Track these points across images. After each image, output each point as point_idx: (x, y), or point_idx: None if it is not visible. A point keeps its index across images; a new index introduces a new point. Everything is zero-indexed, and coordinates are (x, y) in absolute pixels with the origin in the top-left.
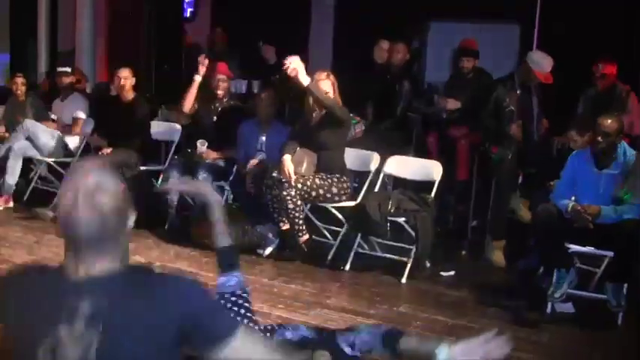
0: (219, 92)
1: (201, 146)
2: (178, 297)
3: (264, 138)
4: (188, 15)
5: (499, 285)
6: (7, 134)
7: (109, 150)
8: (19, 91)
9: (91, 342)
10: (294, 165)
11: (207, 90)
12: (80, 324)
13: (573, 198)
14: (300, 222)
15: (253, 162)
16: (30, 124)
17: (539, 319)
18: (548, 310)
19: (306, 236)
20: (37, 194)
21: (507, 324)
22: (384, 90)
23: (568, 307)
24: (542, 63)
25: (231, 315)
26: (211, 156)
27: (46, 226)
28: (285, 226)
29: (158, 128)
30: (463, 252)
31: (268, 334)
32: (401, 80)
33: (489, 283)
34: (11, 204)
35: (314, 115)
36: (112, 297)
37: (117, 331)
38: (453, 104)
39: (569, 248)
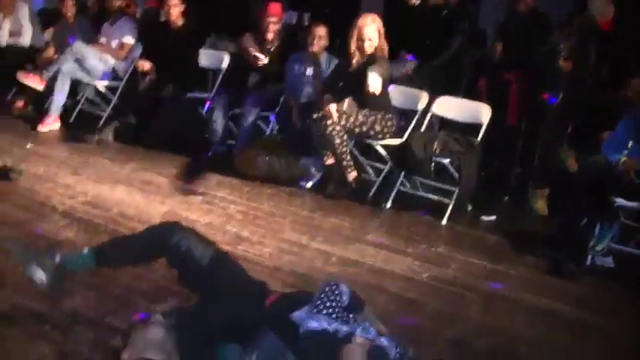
0: (269, 35)
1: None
2: None
3: (311, 71)
4: None
5: (539, 233)
6: (56, 56)
7: (148, 68)
8: (68, 13)
9: None
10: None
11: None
12: None
13: (625, 152)
14: (348, 157)
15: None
16: (79, 46)
17: (578, 270)
18: (588, 262)
19: (355, 173)
20: (83, 117)
21: (544, 273)
22: (438, 28)
23: (608, 262)
24: (603, 8)
25: None
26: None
27: (90, 148)
28: (330, 161)
29: (206, 56)
30: (506, 198)
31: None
32: (457, 19)
33: (530, 230)
34: (58, 125)
35: (355, 61)
36: None
37: None
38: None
39: (614, 202)
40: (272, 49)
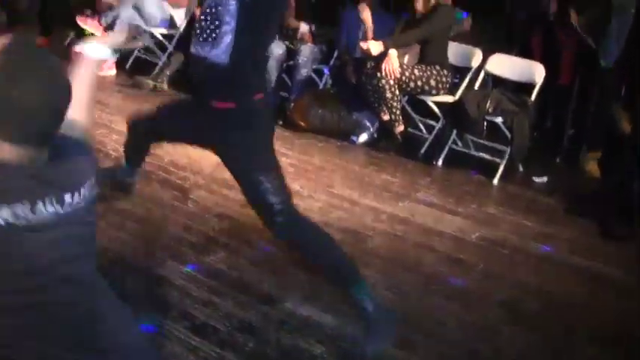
0: None
1: (303, 27)
2: None
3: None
4: None
5: (591, 196)
6: (115, 2)
7: None
8: None
9: None
10: (398, 56)
11: None
12: None
13: None
14: (397, 112)
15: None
16: (129, 12)
17: (629, 234)
18: None
19: (402, 127)
20: (139, 64)
21: (595, 236)
22: None
23: None
24: None
25: None
26: (310, 40)
27: (146, 94)
28: (386, 117)
29: None
30: (558, 159)
31: None
32: None
33: (582, 193)
34: (114, 71)
35: (418, 6)
36: None
37: None
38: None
39: None
40: None
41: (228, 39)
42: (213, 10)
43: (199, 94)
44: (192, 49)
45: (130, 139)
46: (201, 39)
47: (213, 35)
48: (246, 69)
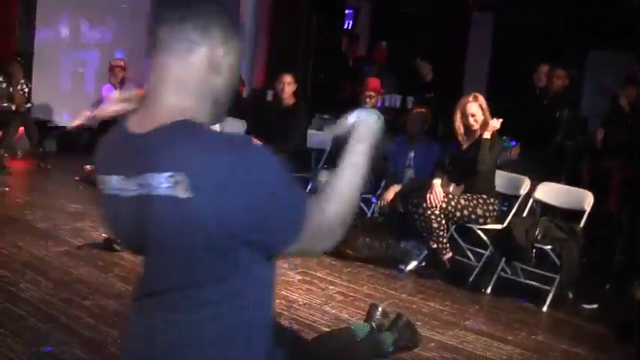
0: (367, 107)
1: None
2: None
3: (412, 154)
4: (348, 27)
5: None
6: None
7: None
8: None
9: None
10: (443, 185)
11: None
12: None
13: None
14: (445, 240)
15: (388, 196)
16: None
17: None
18: None
19: (450, 254)
20: None
21: None
22: (541, 115)
23: None
24: None
25: None
26: None
27: None
28: (434, 245)
29: (311, 137)
30: (607, 286)
31: None
32: (561, 108)
33: (633, 320)
34: None
35: (462, 139)
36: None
37: None
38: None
39: None
40: None
41: None
42: None
43: None
44: None
45: None
46: None
47: None
48: None
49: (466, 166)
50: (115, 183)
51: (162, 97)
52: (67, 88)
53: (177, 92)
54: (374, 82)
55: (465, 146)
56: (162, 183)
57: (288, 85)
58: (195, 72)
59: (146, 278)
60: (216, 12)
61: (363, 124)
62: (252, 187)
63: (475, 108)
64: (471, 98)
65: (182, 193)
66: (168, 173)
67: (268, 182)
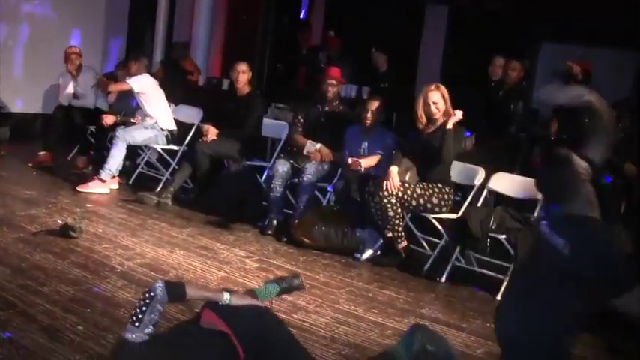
0: (329, 96)
1: (311, 146)
2: None
3: (366, 143)
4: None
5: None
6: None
7: (212, 136)
8: None
9: None
10: (400, 173)
11: (317, 93)
12: None
13: None
14: (400, 229)
15: (352, 161)
16: (121, 133)
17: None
18: None
19: (405, 243)
20: (143, 179)
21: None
22: (496, 106)
23: None
24: None
25: None
26: (317, 159)
27: (149, 211)
28: (389, 234)
29: (266, 125)
30: None
31: None
32: (515, 99)
33: None
34: (117, 186)
35: (423, 127)
36: None
37: None
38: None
39: None
40: (328, 109)
41: None
42: None
43: None
44: None
45: None
46: None
47: None
48: None
49: (428, 155)
50: None
51: None
52: (20, 75)
53: None
54: (335, 70)
55: (426, 133)
56: None
57: (242, 74)
58: None
59: None
60: None
61: None
62: None
63: (437, 96)
64: (433, 87)
65: None
66: None
67: None
